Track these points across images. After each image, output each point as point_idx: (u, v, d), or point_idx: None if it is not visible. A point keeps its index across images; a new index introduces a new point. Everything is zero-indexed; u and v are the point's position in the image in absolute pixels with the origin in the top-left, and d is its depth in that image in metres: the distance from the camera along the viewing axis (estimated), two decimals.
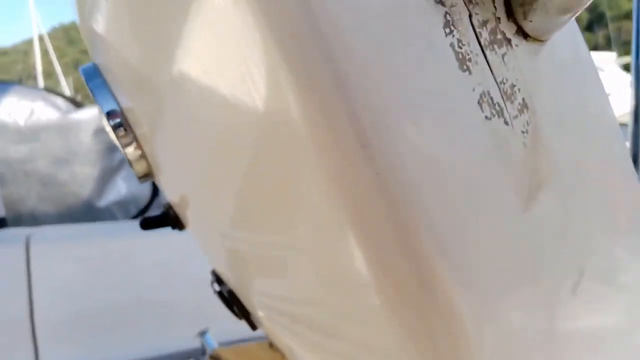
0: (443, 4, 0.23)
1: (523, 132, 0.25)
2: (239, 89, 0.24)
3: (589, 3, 0.23)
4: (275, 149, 0.25)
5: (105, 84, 0.48)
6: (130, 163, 0.48)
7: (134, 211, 2.04)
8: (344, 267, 0.25)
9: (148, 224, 0.52)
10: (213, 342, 0.69)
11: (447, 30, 0.23)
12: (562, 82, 0.28)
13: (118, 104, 0.46)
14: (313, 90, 0.21)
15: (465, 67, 0.23)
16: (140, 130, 0.45)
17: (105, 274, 1.49)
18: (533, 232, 0.26)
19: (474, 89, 0.24)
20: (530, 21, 0.25)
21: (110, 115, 0.46)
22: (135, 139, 0.46)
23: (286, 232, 0.29)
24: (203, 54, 0.26)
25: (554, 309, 0.28)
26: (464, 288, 0.23)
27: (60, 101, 2.09)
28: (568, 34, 0.28)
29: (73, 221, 1.94)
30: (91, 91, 0.48)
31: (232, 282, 0.50)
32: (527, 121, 0.26)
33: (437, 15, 0.23)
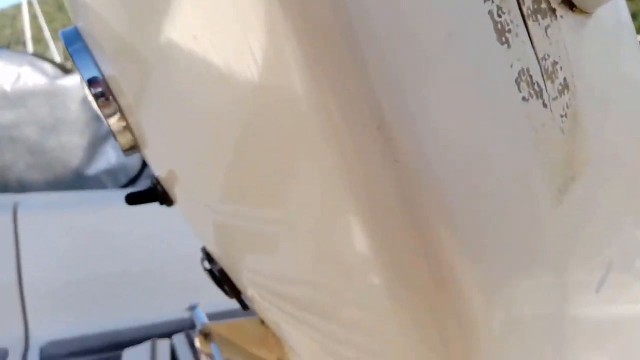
0: None
1: (562, 117, 0.23)
2: (235, 58, 0.22)
3: None
4: (274, 125, 0.22)
5: (86, 49, 0.45)
6: (114, 135, 0.46)
7: (123, 180, 2.01)
8: (344, 246, 0.23)
9: (134, 199, 0.50)
10: (203, 316, 0.68)
11: None
12: (606, 59, 0.25)
13: (100, 71, 0.44)
14: (322, 63, 0.19)
15: (504, 39, 0.21)
16: (125, 100, 0.43)
17: (94, 243, 1.48)
18: (562, 225, 0.24)
19: (512, 65, 0.21)
20: None
21: (91, 83, 0.44)
22: (120, 109, 0.44)
23: (280, 208, 0.27)
24: (194, 18, 0.23)
25: (575, 303, 0.26)
26: (477, 272, 0.21)
27: (48, 67, 2.03)
28: (613, 4, 0.26)
29: (61, 189, 1.91)
30: (71, 56, 0.45)
31: (222, 260, 0.49)
32: (567, 104, 0.23)
33: None
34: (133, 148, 0.47)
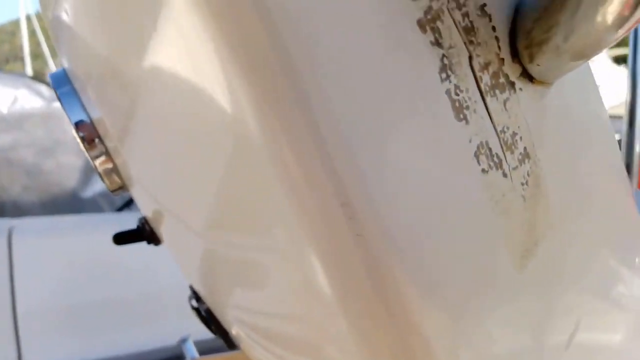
0: (440, 46, 0.21)
1: (522, 184, 0.23)
2: (206, 97, 0.22)
3: (608, 47, 0.21)
4: (244, 170, 0.23)
5: (74, 92, 0.45)
6: (100, 176, 0.46)
7: (119, 202, 2.01)
8: (311, 288, 0.24)
9: (122, 239, 0.50)
10: (194, 350, 0.68)
11: (444, 76, 0.21)
12: (567, 124, 0.26)
13: (87, 114, 0.44)
14: (287, 137, 0.19)
15: (462, 116, 0.21)
16: (111, 142, 0.43)
17: (89, 268, 1.47)
18: (527, 289, 0.24)
19: (470, 140, 0.22)
20: (538, 65, 0.22)
21: (78, 125, 0.44)
22: (106, 150, 0.44)
23: (255, 241, 0.28)
24: (167, 54, 0.24)
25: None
26: (443, 335, 0.22)
27: (44, 89, 2.04)
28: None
29: (57, 212, 1.90)
30: (59, 99, 0.45)
31: (207, 298, 0.49)
32: (527, 172, 0.23)
33: (432, 59, 0.20)
34: (120, 188, 0.47)
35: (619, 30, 0.20)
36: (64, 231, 1.57)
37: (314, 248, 0.21)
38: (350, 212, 0.19)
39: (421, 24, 0.20)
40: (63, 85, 0.46)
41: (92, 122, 0.44)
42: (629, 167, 1.33)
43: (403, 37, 0.20)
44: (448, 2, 0.21)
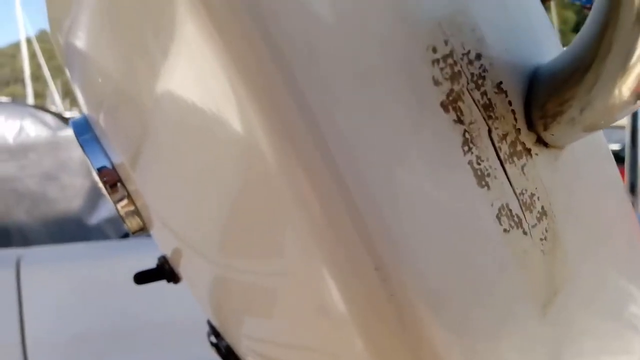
0: (462, 123, 0.23)
1: (542, 240, 0.25)
2: (216, 128, 0.23)
3: (620, 119, 0.23)
4: (261, 206, 0.24)
5: (95, 139, 0.47)
6: (122, 219, 0.48)
7: (125, 229, 2.01)
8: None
9: (142, 278, 0.51)
10: None
11: (466, 149, 0.23)
12: (579, 179, 0.28)
13: (109, 159, 0.46)
14: (319, 200, 0.21)
15: (484, 183, 0.23)
16: (132, 185, 0.44)
17: (98, 297, 1.48)
18: (549, 338, 0.26)
19: (492, 204, 0.23)
20: (552, 134, 0.24)
21: (101, 171, 0.46)
22: (128, 194, 0.46)
23: (265, 272, 0.29)
24: (183, 84, 0.25)
25: None
26: None
27: (49, 118, 2.07)
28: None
29: (63, 240, 1.91)
30: (82, 146, 0.47)
31: (222, 331, 0.50)
32: (545, 228, 0.25)
33: (455, 135, 0.22)
34: (142, 230, 0.49)
35: (636, 103, 0.21)
36: (72, 260, 1.58)
37: (331, 271, 0.22)
38: (383, 275, 0.21)
39: (444, 105, 0.22)
40: (84, 133, 0.47)
41: (113, 167, 0.45)
42: (633, 187, 1.34)
43: (428, 118, 0.21)
44: (468, 83, 0.22)
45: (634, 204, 1.47)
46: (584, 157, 0.28)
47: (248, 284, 0.33)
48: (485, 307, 0.23)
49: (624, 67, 0.20)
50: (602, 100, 0.21)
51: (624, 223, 0.31)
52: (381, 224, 0.21)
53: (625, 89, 0.20)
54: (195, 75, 0.23)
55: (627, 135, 1.32)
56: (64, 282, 1.48)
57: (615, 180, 0.30)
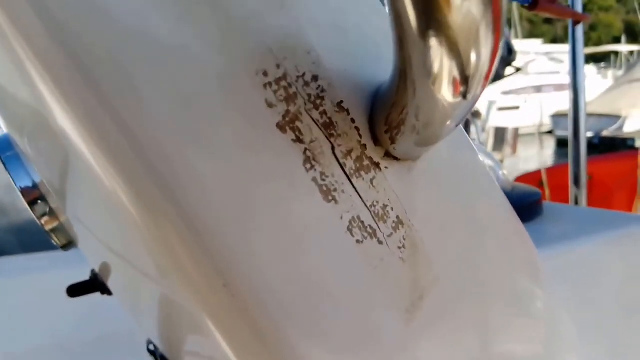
0: (302, 141, 0.24)
1: (400, 248, 0.26)
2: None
3: (459, 122, 0.24)
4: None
5: (17, 156, 0.48)
6: (48, 234, 0.48)
7: None
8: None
9: (76, 290, 0.52)
10: None
11: (308, 166, 0.24)
12: (442, 187, 0.29)
13: (31, 177, 0.46)
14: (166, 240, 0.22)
15: (330, 197, 0.24)
16: (54, 202, 0.45)
17: (70, 307, 1.47)
18: (418, 338, 0.27)
19: (342, 217, 0.25)
20: (399, 147, 0.26)
21: (23, 189, 0.46)
22: (51, 210, 0.47)
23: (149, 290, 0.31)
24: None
25: None
26: None
27: None
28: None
29: (35, 249, 1.89)
30: (4, 164, 0.48)
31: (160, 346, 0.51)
32: (403, 236, 0.27)
33: (296, 154, 0.24)
34: (70, 244, 0.50)
35: (462, 100, 0.22)
36: (43, 270, 1.57)
37: (186, 289, 0.24)
38: (232, 291, 0.22)
39: (281, 126, 0.23)
40: (7, 150, 0.48)
41: (35, 185, 0.46)
42: (577, 179, 1.37)
43: (264, 140, 0.23)
44: (305, 104, 0.24)
45: (577, 196, 1.50)
46: (444, 165, 0.29)
47: (146, 292, 0.35)
48: (341, 314, 0.24)
49: (429, 73, 0.20)
50: (428, 102, 0.22)
51: (498, 219, 0.33)
52: (224, 244, 0.22)
53: (444, 89, 0.21)
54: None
55: (569, 129, 1.34)
56: (36, 291, 1.47)
57: (485, 182, 0.32)
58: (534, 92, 12.05)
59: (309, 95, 0.24)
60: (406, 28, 0.19)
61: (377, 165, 0.26)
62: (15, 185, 0.46)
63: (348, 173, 0.25)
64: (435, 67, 0.20)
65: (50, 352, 1.43)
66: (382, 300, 0.26)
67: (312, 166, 0.24)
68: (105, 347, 1.47)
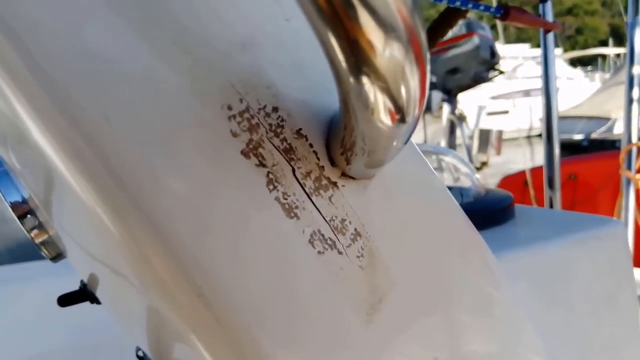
0: (264, 166, 0.26)
1: (358, 257, 0.29)
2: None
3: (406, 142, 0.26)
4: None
5: (6, 172, 0.49)
6: (37, 247, 0.50)
7: None
8: None
9: (66, 300, 0.54)
10: None
11: (271, 187, 0.26)
12: (395, 201, 0.31)
13: (20, 192, 0.48)
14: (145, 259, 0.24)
15: (292, 214, 0.27)
16: (42, 215, 0.47)
17: (61, 316, 1.47)
18: (378, 339, 0.29)
19: (303, 231, 0.27)
20: (353, 168, 0.28)
21: (13, 204, 0.48)
22: (40, 223, 0.48)
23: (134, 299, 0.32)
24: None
25: None
26: None
27: None
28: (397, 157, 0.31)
29: (25, 259, 1.90)
30: None
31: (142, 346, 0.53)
32: (361, 246, 0.29)
33: (259, 177, 0.26)
34: (59, 255, 0.51)
35: (403, 126, 0.23)
36: (34, 279, 1.57)
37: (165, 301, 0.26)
38: (206, 301, 0.24)
39: (244, 153, 0.26)
40: None
41: (24, 200, 0.48)
42: (551, 182, 1.40)
43: (230, 165, 0.25)
44: (267, 132, 0.26)
45: (552, 198, 1.54)
46: (397, 181, 0.32)
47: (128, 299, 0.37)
48: (309, 318, 0.27)
49: (366, 105, 0.22)
50: (370, 129, 0.24)
51: (452, 227, 0.35)
52: (197, 257, 0.24)
53: (382, 117, 0.23)
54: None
55: (543, 133, 1.37)
56: (25, 302, 1.48)
57: (438, 194, 0.34)
58: (522, 96, 12.20)
59: (270, 125, 0.27)
60: (339, 69, 0.21)
61: (334, 184, 0.28)
62: (5, 200, 0.48)
63: (308, 192, 0.28)
64: (370, 101, 0.22)
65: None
66: (344, 305, 0.28)
67: (275, 187, 0.27)
68: (96, 354, 1.48)
